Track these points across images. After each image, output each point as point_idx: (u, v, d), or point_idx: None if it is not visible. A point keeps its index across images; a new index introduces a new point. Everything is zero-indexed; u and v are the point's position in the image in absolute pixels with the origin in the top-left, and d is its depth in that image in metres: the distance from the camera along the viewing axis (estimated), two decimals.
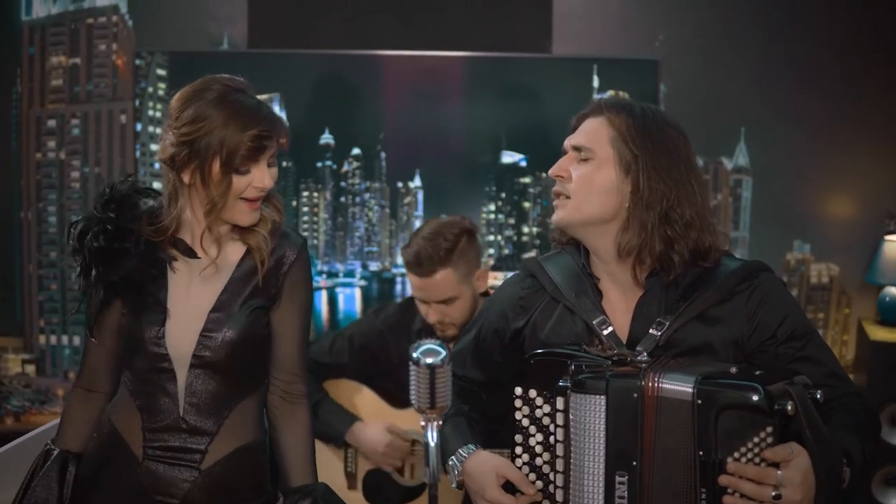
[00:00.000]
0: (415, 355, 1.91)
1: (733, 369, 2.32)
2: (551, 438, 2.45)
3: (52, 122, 6.61)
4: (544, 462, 2.50)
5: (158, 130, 5.93)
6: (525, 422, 2.50)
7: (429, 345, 1.93)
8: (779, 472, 2.21)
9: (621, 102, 2.67)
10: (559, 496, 2.47)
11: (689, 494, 2.28)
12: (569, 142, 2.67)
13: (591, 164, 2.56)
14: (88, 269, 2.75)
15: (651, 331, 2.49)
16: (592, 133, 2.61)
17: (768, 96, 6.24)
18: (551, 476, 2.48)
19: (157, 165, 6.03)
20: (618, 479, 2.34)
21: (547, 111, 5.98)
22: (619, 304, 2.59)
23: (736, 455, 2.25)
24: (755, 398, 2.22)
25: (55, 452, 2.82)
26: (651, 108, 2.69)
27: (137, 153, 5.92)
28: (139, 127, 6.03)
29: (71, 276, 6.54)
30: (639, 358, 2.43)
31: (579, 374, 2.38)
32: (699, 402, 2.24)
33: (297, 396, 2.71)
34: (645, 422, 2.35)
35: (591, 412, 2.35)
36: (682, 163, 2.60)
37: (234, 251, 2.72)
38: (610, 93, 5.84)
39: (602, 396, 2.35)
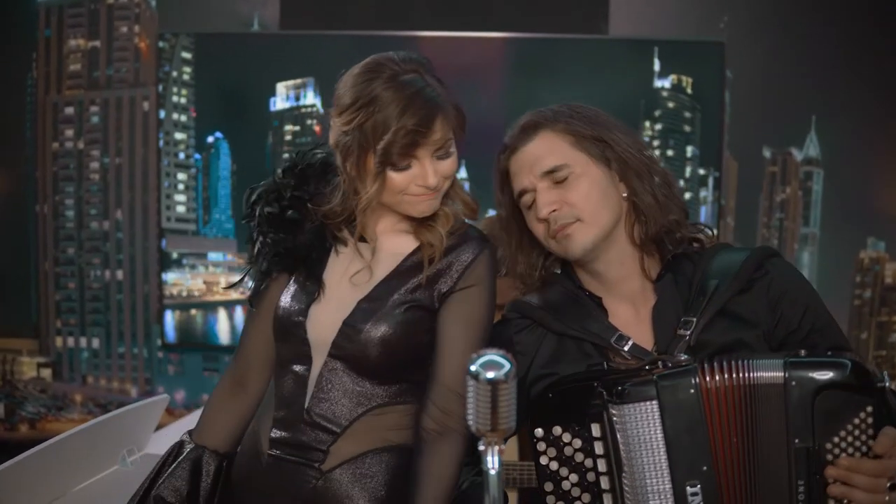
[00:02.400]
0: (473, 368, 1.70)
1: (802, 352, 2.25)
2: (590, 475, 2.32)
3: (69, 110, 6.54)
4: (587, 503, 2.37)
5: (183, 118, 5.79)
6: (553, 465, 2.36)
7: (490, 356, 1.71)
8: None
9: (541, 115, 2.60)
10: None
11: (782, 490, 2.20)
12: (529, 177, 2.50)
13: (576, 179, 2.47)
14: (257, 237, 2.64)
15: (680, 331, 2.40)
16: (552, 151, 2.51)
17: (841, 82, 6.06)
18: None
19: (181, 155, 5.91)
20: (689, 490, 2.22)
21: (603, 95, 5.82)
22: (630, 319, 2.51)
23: (836, 440, 2.18)
24: (856, 375, 2.18)
25: (188, 448, 2.71)
26: (564, 104, 2.64)
27: (161, 142, 5.81)
28: (163, 114, 5.91)
29: (89, 274, 6.43)
30: (679, 358, 2.35)
31: (616, 386, 2.27)
32: (793, 383, 2.16)
33: (451, 423, 2.47)
34: (709, 419, 2.25)
35: (643, 423, 2.24)
36: (623, 129, 2.60)
37: (405, 244, 2.58)
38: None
39: (653, 402, 2.24)
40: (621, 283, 2.54)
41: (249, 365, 2.72)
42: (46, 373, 6.31)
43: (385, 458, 2.53)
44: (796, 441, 2.19)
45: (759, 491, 2.24)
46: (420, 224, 2.55)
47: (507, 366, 1.72)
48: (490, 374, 1.70)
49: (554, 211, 2.47)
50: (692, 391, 2.25)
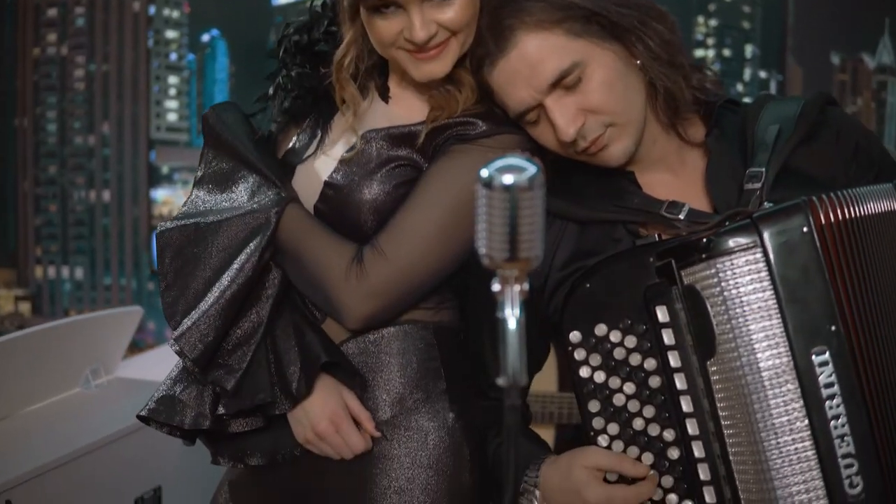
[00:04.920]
0: (485, 174, 1.40)
1: None
2: (653, 380, 2.10)
3: (52, 12, 6.42)
4: (650, 419, 2.12)
5: (175, 14, 5.60)
6: (599, 376, 2.14)
7: (510, 158, 1.46)
8: None
9: (509, 9, 2.29)
10: (701, 450, 2.07)
11: None
12: (529, 91, 2.24)
13: (590, 76, 2.21)
14: (279, 71, 2.45)
15: (748, 186, 2.22)
16: (549, 51, 2.23)
17: None
18: (668, 435, 2.09)
19: (173, 56, 5.66)
20: (816, 359, 1.99)
21: None
22: (672, 187, 2.31)
23: None
24: None
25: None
26: None
27: (150, 42, 5.55)
28: (153, 10, 5.69)
29: (73, 195, 6.28)
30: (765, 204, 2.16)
31: (697, 243, 2.08)
32: None
33: (365, 269, 2.24)
34: (829, 266, 2.03)
35: (743, 279, 2.03)
36: None
37: (417, 110, 2.37)
38: None
39: (756, 250, 2.04)
40: (659, 151, 2.35)
41: None
42: (25, 307, 6.17)
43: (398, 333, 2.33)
44: None
45: (887, 347, 2.03)
46: (440, 91, 2.33)
47: (532, 169, 1.48)
48: (508, 179, 1.47)
49: (583, 126, 2.24)
50: (805, 230, 2.05)
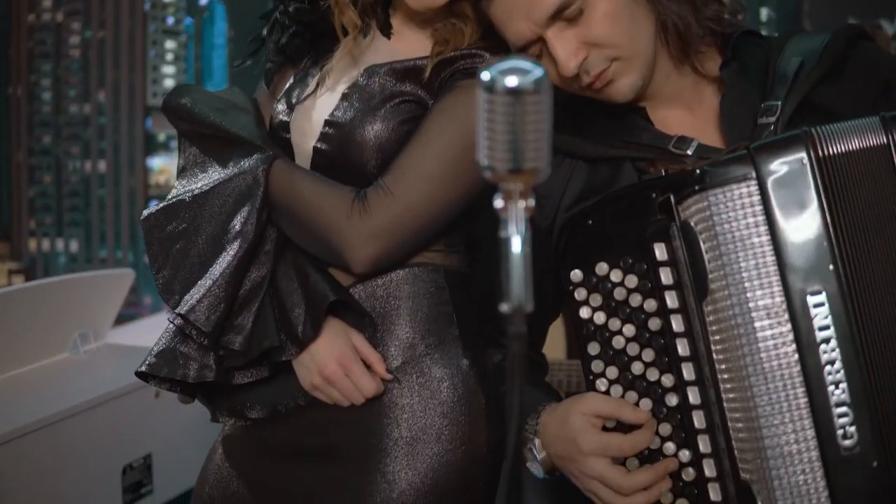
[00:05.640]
0: (487, 77, 1.37)
1: None
2: (653, 322, 2.05)
3: None
4: (649, 363, 2.07)
5: None
6: (599, 317, 2.09)
7: (513, 61, 1.37)
8: None
9: None
10: (696, 396, 2.01)
11: None
12: (528, 24, 2.19)
13: (592, 7, 2.16)
14: (276, 7, 2.40)
15: (762, 119, 2.18)
16: None
17: None
18: (666, 380, 2.04)
19: (169, 20, 5.60)
20: (811, 300, 1.93)
21: None
22: (686, 123, 2.26)
23: None
24: None
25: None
26: None
27: (147, 4, 5.51)
28: None
29: (68, 166, 6.23)
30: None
31: (692, 174, 2.02)
32: None
33: (369, 205, 2.19)
34: (827, 202, 1.97)
35: (738, 213, 1.97)
36: None
37: (420, 46, 2.33)
38: None
39: (751, 182, 1.97)
40: (671, 87, 2.30)
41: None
42: (19, 280, 6.11)
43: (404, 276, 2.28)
44: None
45: (886, 291, 1.97)
46: (444, 24, 2.30)
47: (538, 71, 1.39)
48: (512, 82, 1.37)
49: (585, 60, 2.18)
50: (804, 162, 1.99)
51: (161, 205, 2.16)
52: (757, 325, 1.94)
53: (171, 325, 2.14)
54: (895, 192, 1.98)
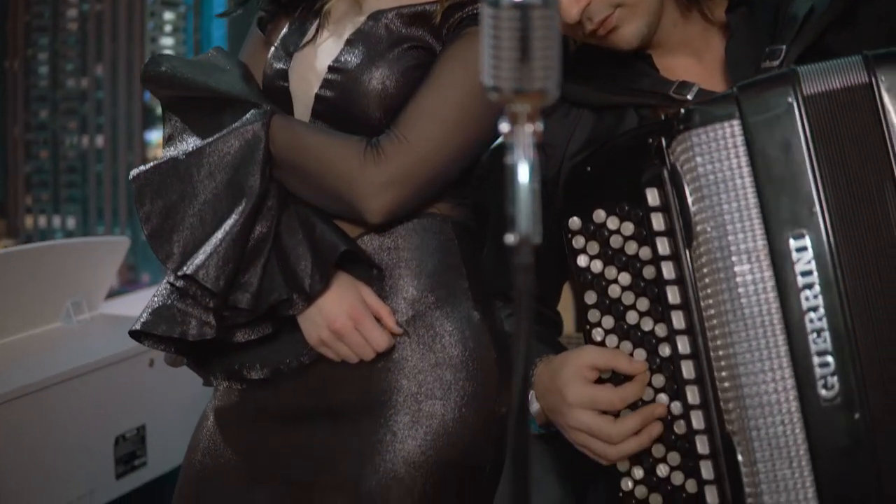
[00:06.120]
0: None
1: None
2: (647, 270, 2.05)
3: None
4: (644, 312, 2.08)
5: None
6: (597, 265, 2.10)
7: None
8: None
9: None
10: (686, 345, 2.01)
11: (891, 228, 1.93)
12: None
13: None
14: None
15: (765, 64, 2.19)
16: None
17: None
18: (660, 330, 2.03)
19: None
20: (793, 243, 1.93)
21: None
22: (692, 69, 2.30)
23: None
24: None
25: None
26: None
27: None
28: None
29: (65, 141, 6.24)
30: None
31: (679, 114, 2.02)
32: (883, 83, 1.95)
33: (385, 153, 2.16)
34: (811, 145, 1.96)
35: (721, 154, 1.98)
36: None
37: None
38: None
39: (734, 121, 1.97)
40: (679, 33, 2.32)
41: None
42: None
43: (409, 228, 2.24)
44: None
45: (870, 236, 1.95)
46: None
47: None
48: None
49: (588, 6, 2.18)
50: (789, 101, 1.98)
51: (152, 164, 2.09)
52: (737, 269, 1.94)
53: (167, 284, 2.09)
54: (880, 133, 1.94)
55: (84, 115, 6.28)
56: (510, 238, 1.31)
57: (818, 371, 1.90)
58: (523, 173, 1.33)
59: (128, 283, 6.13)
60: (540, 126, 1.35)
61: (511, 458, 1.34)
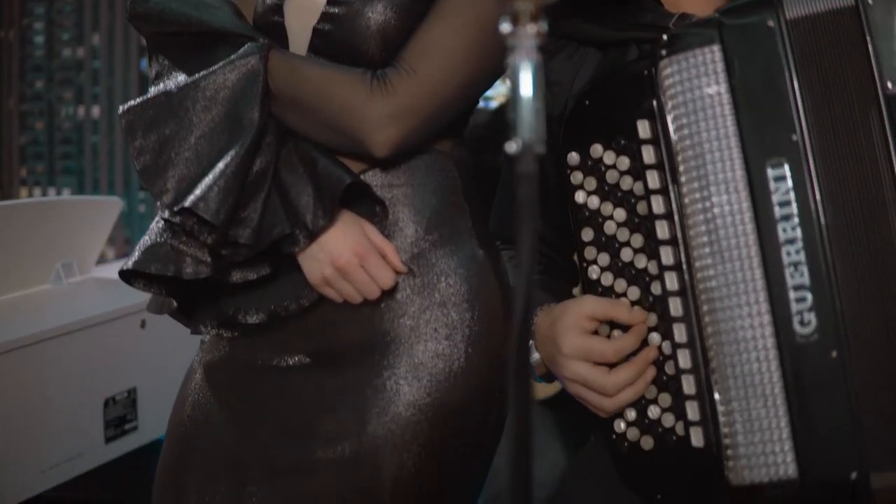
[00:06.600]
0: None
1: None
2: (641, 206, 2.04)
3: None
4: (638, 249, 2.05)
5: None
6: (594, 201, 2.09)
7: None
8: None
9: None
10: (674, 282, 1.99)
11: (873, 148, 1.89)
12: None
13: None
14: None
15: None
16: None
17: None
18: (652, 267, 2.01)
19: None
20: (771, 172, 1.90)
21: None
22: (705, 4, 2.23)
23: None
24: None
25: None
26: None
27: None
28: None
29: (60, 112, 6.28)
30: None
31: (659, 45, 2.00)
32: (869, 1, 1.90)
33: (390, 85, 2.11)
34: (801, 66, 1.92)
35: (701, 80, 1.95)
36: None
37: None
38: None
39: (714, 46, 1.95)
40: None
41: None
42: None
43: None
44: (889, 86, 1.89)
45: (853, 166, 1.91)
46: None
47: None
48: None
49: None
50: (771, 25, 1.95)
51: (143, 97, 2.01)
52: (715, 200, 1.91)
53: (160, 222, 2.00)
54: (865, 58, 1.89)
55: (80, 84, 6.22)
56: (512, 146, 1.27)
57: (794, 306, 1.87)
58: (525, 76, 1.29)
59: (124, 255, 6.07)
60: (544, 26, 1.30)
61: (513, 402, 1.29)
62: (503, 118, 4.20)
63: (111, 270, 3.66)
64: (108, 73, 6.20)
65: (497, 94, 4.49)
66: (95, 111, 6.24)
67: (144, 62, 5.88)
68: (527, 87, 1.29)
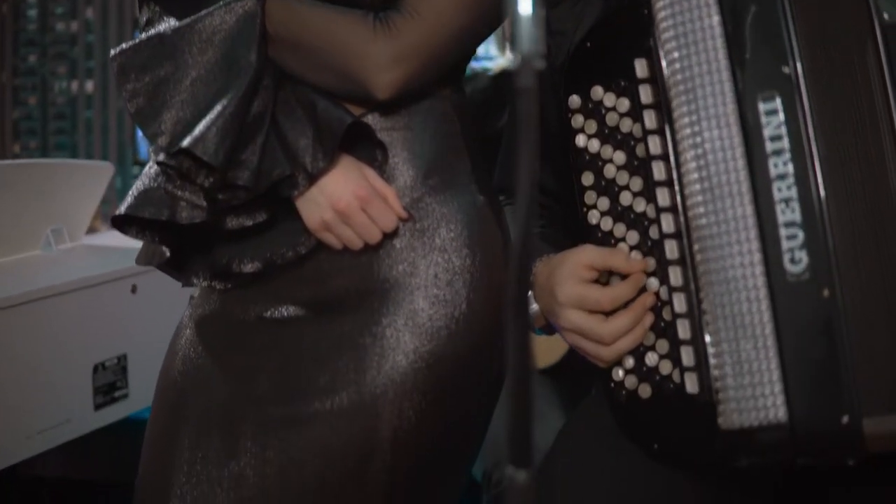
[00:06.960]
0: None
1: None
2: (640, 148, 2.01)
3: None
4: (637, 193, 2.02)
5: None
6: (594, 145, 2.07)
7: None
8: None
9: None
10: (670, 224, 1.96)
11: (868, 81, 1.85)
12: None
13: None
14: None
15: None
16: None
17: None
18: (650, 211, 1.99)
19: None
20: (763, 107, 1.87)
21: None
22: None
23: None
24: None
25: None
26: None
27: None
28: None
29: (54, 87, 6.24)
30: None
31: None
32: None
33: (394, 29, 2.09)
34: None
35: (692, 18, 1.91)
36: None
37: None
38: None
39: None
40: None
41: None
42: None
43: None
44: (886, 15, 1.88)
45: (848, 100, 1.88)
46: None
47: None
48: None
49: None
50: None
51: (135, 40, 1.97)
52: (706, 135, 1.88)
53: (153, 167, 1.96)
54: None
55: (74, 59, 6.17)
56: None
57: (785, 244, 1.84)
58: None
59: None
60: None
61: (512, 355, 1.25)
62: (502, 84, 4.00)
63: (103, 238, 3.63)
64: (102, 47, 6.16)
65: (496, 64, 4.48)
66: (89, 86, 6.19)
67: (138, 33, 5.85)
68: (526, 2, 1.24)
